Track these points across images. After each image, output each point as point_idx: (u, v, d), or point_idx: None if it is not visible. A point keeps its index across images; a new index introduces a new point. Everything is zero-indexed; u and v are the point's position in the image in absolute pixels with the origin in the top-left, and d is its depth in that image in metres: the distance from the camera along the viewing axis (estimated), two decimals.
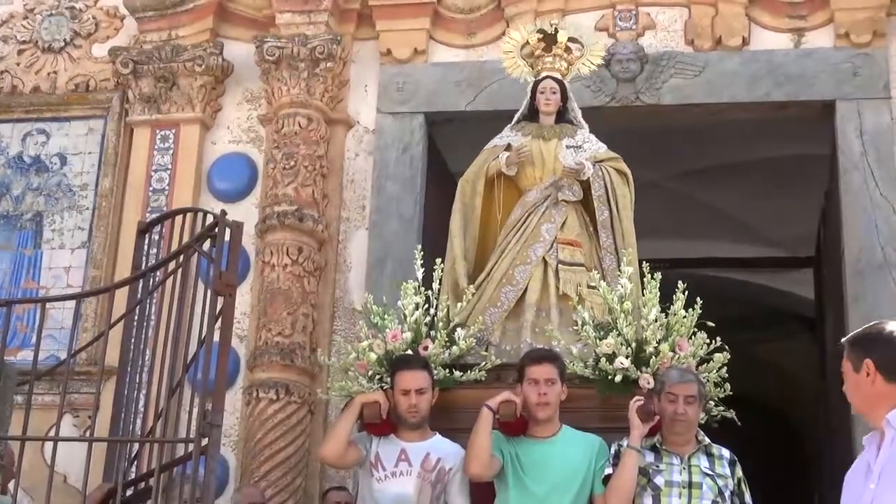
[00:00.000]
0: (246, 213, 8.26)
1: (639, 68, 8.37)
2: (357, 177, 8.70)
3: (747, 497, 5.00)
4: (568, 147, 6.40)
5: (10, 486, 5.29)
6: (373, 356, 5.71)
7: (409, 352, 5.60)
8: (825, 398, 9.20)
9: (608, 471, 4.94)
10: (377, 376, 5.66)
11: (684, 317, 5.64)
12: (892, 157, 8.17)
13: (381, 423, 5.22)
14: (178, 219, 5.57)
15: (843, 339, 3.24)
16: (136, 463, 5.21)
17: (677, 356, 5.48)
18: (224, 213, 5.15)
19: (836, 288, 8.46)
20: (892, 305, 7.83)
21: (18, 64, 9.29)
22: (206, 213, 5.30)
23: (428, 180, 8.70)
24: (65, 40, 9.29)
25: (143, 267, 5.50)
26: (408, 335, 5.71)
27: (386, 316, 5.87)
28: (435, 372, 5.45)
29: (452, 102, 8.71)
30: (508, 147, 6.44)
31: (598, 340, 5.58)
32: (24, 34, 9.37)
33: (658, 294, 5.70)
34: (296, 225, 8.24)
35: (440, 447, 5.21)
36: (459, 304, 6.00)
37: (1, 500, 5.35)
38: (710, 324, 5.68)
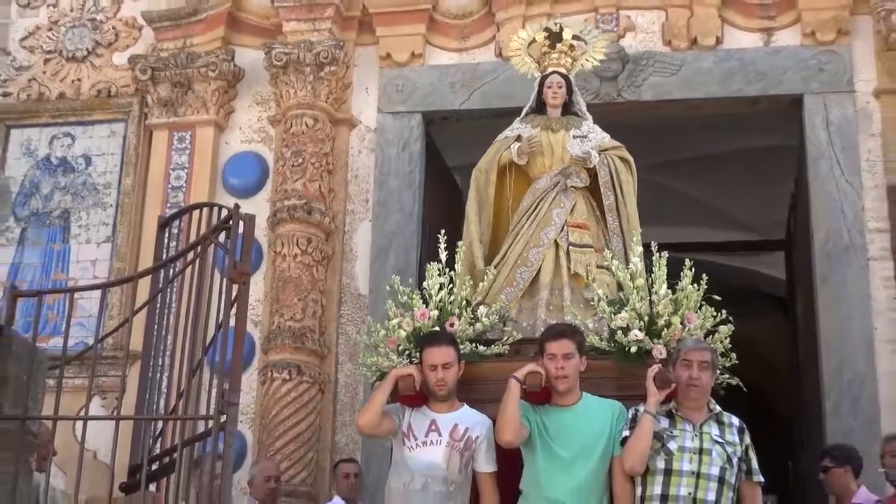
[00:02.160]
0: (258, 207, 8.27)
1: (620, 67, 8.39)
2: (360, 172, 8.73)
3: (754, 463, 4.97)
4: (575, 137, 6.39)
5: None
6: (402, 333, 5.70)
7: (437, 328, 5.59)
8: (797, 372, 9.22)
9: (625, 433, 4.90)
10: (406, 352, 5.64)
11: (692, 291, 5.62)
12: (856, 146, 8.18)
13: (414, 395, 5.18)
14: (196, 213, 5.56)
15: None
16: (160, 439, 5.20)
17: (687, 328, 5.46)
18: (238, 207, 5.13)
19: (806, 269, 8.47)
20: (858, 286, 7.86)
21: (45, 72, 9.32)
22: (220, 207, 5.29)
23: (426, 175, 8.71)
24: (87, 50, 9.30)
25: (163, 258, 5.48)
26: (434, 313, 5.70)
27: (413, 295, 5.86)
28: (461, 347, 5.41)
29: (448, 102, 8.72)
30: (519, 138, 6.43)
31: (612, 315, 5.57)
32: (49, 44, 9.38)
33: (665, 271, 5.70)
34: (304, 218, 8.28)
35: (468, 417, 5.17)
36: (481, 284, 6.00)
37: (36, 478, 5.34)
38: (717, 297, 5.67)
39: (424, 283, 5.95)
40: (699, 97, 8.53)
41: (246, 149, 8.90)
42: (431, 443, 5.05)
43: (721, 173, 9.82)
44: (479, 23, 8.77)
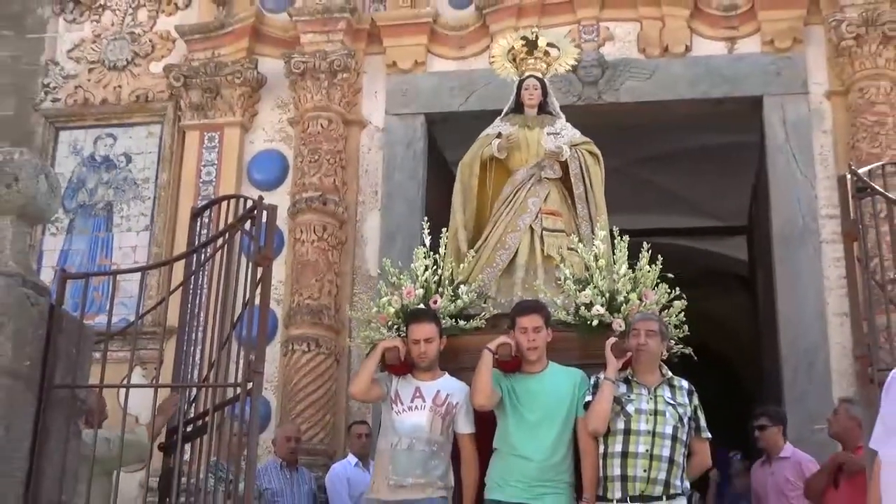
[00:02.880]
0: (280, 199, 8.24)
1: (600, 73, 8.41)
2: (370, 168, 8.75)
3: (702, 421, 5.00)
4: (549, 134, 6.37)
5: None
6: (391, 310, 5.71)
7: (422, 306, 5.59)
8: (759, 344, 9.24)
9: (588, 398, 4.92)
10: (395, 326, 5.64)
11: (648, 271, 5.64)
12: (810, 142, 8.21)
13: (400, 365, 5.18)
14: (224, 204, 5.55)
15: None
16: (193, 405, 5.23)
17: (644, 304, 5.48)
18: (261, 198, 5.14)
19: (766, 252, 8.50)
20: (811, 266, 7.89)
21: (89, 80, 9.32)
22: (246, 199, 5.29)
23: (428, 169, 8.72)
24: (127, 60, 9.30)
25: (195, 244, 5.50)
26: (420, 292, 5.70)
27: (401, 276, 5.87)
28: (443, 322, 5.43)
29: (447, 104, 8.73)
30: (499, 135, 6.42)
31: (577, 292, 5.58)
32: (93, 55, 9.39)
33: (626, 253, 5.72)
34: (321, 208, 8.32)
35: (448, 385, 5.17)
36: (462, 266, 5.99)
37: (93, 438, 5.35)
38: (671, 275, 5.70)
39: (412, 265, 5.95)
40: (670, 99, 8.54)
41: (268, 147, 8.91)
42: (416, 408, 5.07)
43: (690, 166, 9.81)
44: (474, 34, 8.78)
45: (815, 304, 7.80)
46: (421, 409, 5.07)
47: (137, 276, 7.79)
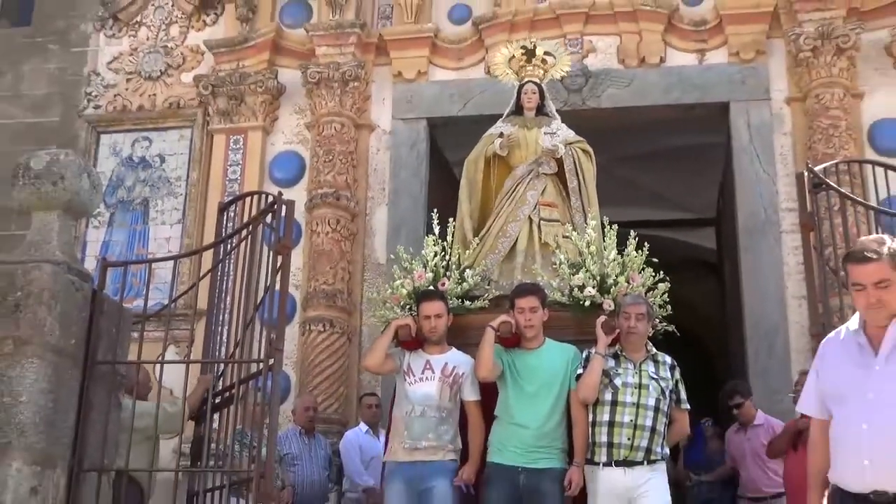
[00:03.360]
0: (297, 195, 8.26)
1: (584, 81, 8.41)
2: (378, 167, 8.74)
3: (683, 394, 4.98)
4: (546, 133, 6.35)
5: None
6: (404, 291, 5.68)
7: (431, 287, 5.57)
8: (726, 324, 9.26)
9: (580, 371, 4.90)
10: (407, 306, 5.61)
11: (636, 257, 5.62)
12: (771, 143, 8.22)
13: (412, 341, 5.14)
14: (248, 200, 5.59)
15: (879, 255, 2.87)
16: (221, 379, 5.25)
17: (631, 286, 5.46)
18: (281, 194, 5.17)
19: (732, 241, 8.50)
20: (772, 253, 7.91)
21: (127, 89, 9.32)
22: (267, 195, 5.32)
23: (430, 168, 8.71)
24: (160, 70, 9.30)
25: (222, 235, 5.51)
26: (429, 275, 5.69)
27: (413, 262, 5.84)
28: (450, 302, 5.40)
29: (447, 110, 8.71)
30: (501, 135, 6.39)
31: (571, 275, 5.56)
32: (130, 67, 9.38)
33: (616, 241, 5.71)
34: (334, 203, 8.33)
35: (455, 358, 5.13)
36: (468, 252, 5.98)
37: (132, 406, 5.37)
38: (655, 260, 5.67)
39: (422, 252, 5.93)
40: (647, 105, 8.54)
41: (287, 148, 8.90)
42: (427, 379, 5.04)
43: (664, 165, 9.80)
44: (471, 47, 8.77)
45: (775, 288, 7.81)
46: (431, 379, 5.04)
47: (170, 263, 7.78)
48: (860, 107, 8.14)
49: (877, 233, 5.20)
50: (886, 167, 5.60)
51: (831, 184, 4.96)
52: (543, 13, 8.57)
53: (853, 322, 3.00)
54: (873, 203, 5.99)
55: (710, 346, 12.10)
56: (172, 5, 9.51)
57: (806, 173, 4.94)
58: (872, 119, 8.12)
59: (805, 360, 7.01)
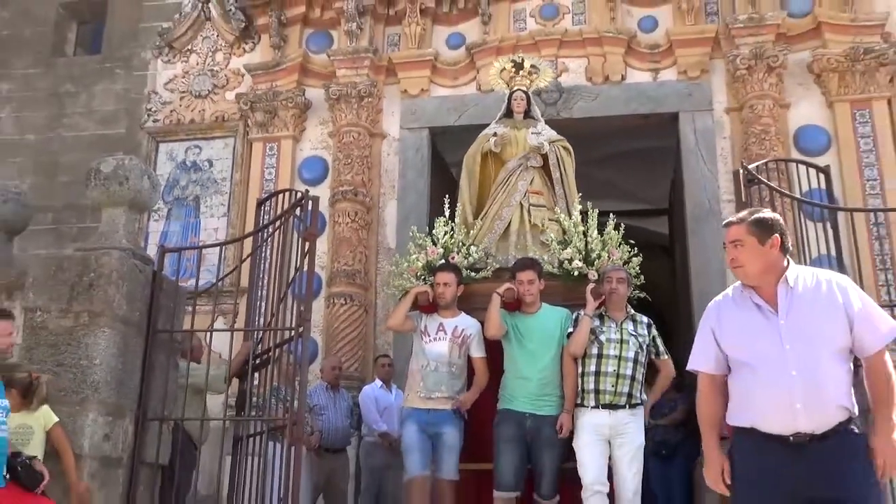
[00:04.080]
0: (322, 192, 8.24)
1: (558, 96, 8.37)
2: (389, 168, 8.69)
3: (661, 347, 5.00)
4: (532, 133, 6.36)
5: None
6: (419, 264, 5.73)
7: (444, 261, 5.59)
8: (676, 294, 9.25)
9: (570, 330, 4.93)
10: (422, 277, 5.64)
11: (614, 235, 5.68)
12: (714, 146, 8.19)
13: (428, 306, 5.17)
14: (281, 196, 5.60)
15: (741, 221, 2.82)
16: (260, 343, 5.26)
17: (611, 259, 5.48)
18: (308, 192, 5.16)
19: (681, 227, 8.48)
20: (714, 238, 7.81)
21: (180, 105, 9.27)
22: (297, 192, 5.32)
23: (432, 169, 8.66)
24: (208, 90, 9.26)
25: (260, 225, 5.52)
26: (441, 251, 5.73)
27: (426, 240, 5.88)
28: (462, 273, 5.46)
29: (445, 120, 8.64)
30: (495, 134, 6.41)
31: (561, 251, 5.61)
32: (183, 87, 9.34)
33: (596, 223, 5.75)
34: (353, 198, 8.31)
35: (464, 321, 5.17)
36: (471, 232, 6.01)
37: (187, 368, 5.38)
38: (631, 241, 5.67)
39: (433, 231, 5.96)
40: (611, 115, 8.47)
41: (313, 153, 8.84)
42: (440, 339, 5.07)
43: (625, 164, 9.74)
44: (465, 68, 8.72)
45: (717, 265, 7.75)
46: (443, 339, 5.06)
47: (217, 249, 7.82)
48: (787, 115, 8.10)
49: (800, 220, 5.21)
50: (807, 165, 5.59)
51: (762, 179, 4.95)
52: (525, 39, 8.51)
53: (738, 286, 2.87)
54: (797, 195, 6.01)
55: (663, 312, 12.08)
56: (217, 36, 9.46)
57: (741, 171, 4.93)
58: (797, 125, 8.08)
59: None
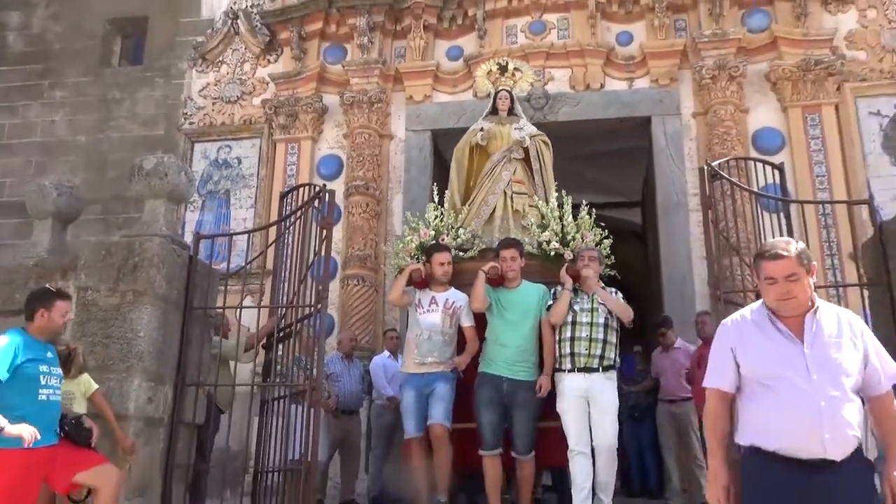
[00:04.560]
0: (338, 186, 8.27)
1: (545, 102, 8.34)
2: (396, 165, 8.67)
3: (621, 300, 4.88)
4: (515, 128, 6.27)
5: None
6: (413, 245, 5.64)
7: (436, 242, 5.49)
8: (648, 276, 9.26)
9: (550, 302, 4.87)
10: (415, 256, 5.55)
11: (587, 219, 5.59)
12: (682, 146, 8.18)
13: (421, 281, 5.07)
14: (301, 190, 5.58)
15: (790, 254, 2.49)
16: (283, 319, 5.26)
17: (584, 241, 5.41)
18: (325, 186, 5.16)
19: (653, 217, 8.48)
20: (682, 226, 7.90)
21: (213, 110, 9.23)
22: (315, 186, 5.31)
23: (434, 166, 8.63)
24: (237, 96, 9.22)
25: (283, 215, 5.51)
26: (432, 233, 5.64)
27: (419, 223, 5.80)
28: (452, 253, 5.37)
29: (446, 123, 8.60)
30: (482, 129, 6.31)
31: (540, 233, 5.53)
32: (215, 93, 9.30)
33: (571, 209, 5.67)
34: (364, 192, 8.30)
35: (454, 295, 5.06)
36: (459, 216, 5.90)
37: (219, 342, 5.39)
38: (602, 224, 5.62)
39: (426, 216, 5.89)
40: (591, 118, 8.44)
41: (330, 152, 8.82)
42: (432, 310, 4.98)
43: (604, 161, 9.72)
44: (462, 77, 8.68)
45: (684, 250, 7.80)
46: (435, 311, 4.98)
47: (245, 236, 7.72)
48: (746, 119, 8.07)
49: (757, 211, 5.18)
50: (764, 163, 5.57)
51: (724, 175, 4.93)
52: (516, 52, 8.43)
53: (758, 310, 2.59)
54: (755, 189, 5.99)
55: (637, 292, 12.09)
56: (245, 48, 9.41)
57: (706, 168, 4.90)
58: (755, 128, 8.06)
59: (704, 304, 7.03)
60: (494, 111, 6.52)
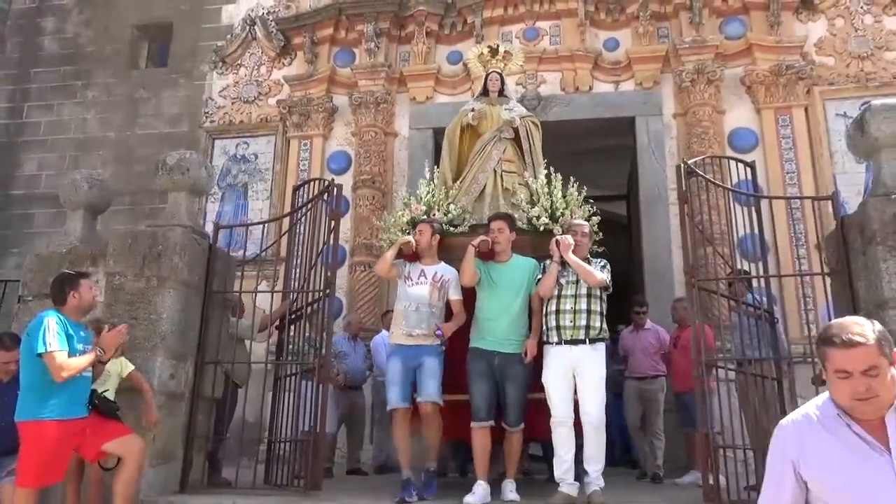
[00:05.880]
0: (346, 180, 8.26)
1: (538, 103, 8.28)
2: (400, 160, 8.65)
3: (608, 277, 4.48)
4: (505, 109, 5.99)
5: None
6: (404, 219, 5.41)
7: (425, 217, 5.24)
8: (632, 265, 9.25)
9: (539, 276, 4.54)
10: (406, 231, 5.24)
11: (576, 196, 5.38)
12: (663, 144, 8.14)
13: (411, 255, 4.76)
14: (312, 183, 5.57)
15: (869, 341, 1.76)
16: (295, 302, 5.28)
17: (574, 216, 5.15)
18: (333, 180, 5.14)
19: (636, 210, 8.46)
20: (662, 218, 7.88)
21: (232, 109, 9.22)
22: (324, 180, 5.30)
23: (435, 162, 8.49)
24: (254, 96, 9.20)
25: (296, 207, 5.50)
26: (423, 208, 5.40)
27: (411, 198, 5.59)
28: (440, 227, 5.04)
29: (446, 122, 8.19)
30: (473, 110, 6.03)
31: (529, 209, 5.27)
32: (233, 94, 9.28)
33: (560, 186, 5.42)
34: (370, 185, 8.29)
35: (442, 269, 4.76)
36: (450, 192, 5.62)
37: (236, 322, 5.37)
38: (591, 200, 5.38)
39: (417, 192, 5.65)
40: (580, 118, 8.39)
41: (339, 149, 8.80)
42: (421, 283, 4.69)
43: (592, 158, 9.66)
44: (462, 80, 8.65)
45: (664, 240, 7.79)
46: (424, 283, 4.67)
47: (261, 226, 7.80)
48: (723, 120, 8.04)
49: (731, 206, 5.09)
50: (737, 161, 5.56)
51: (699, 172, 4.91)
52: (517, 69, 8.27)
53: (824, 407, 1.85)
54: (729, 185, 5.95)
55: (622, 279, 12.06)
56: (262, 53, 9.38)
57: (682, 165, 4.89)
58: (731, 128, 8.02)
59: (683, 290, 7.01)
60: (485, 92, 6.22)
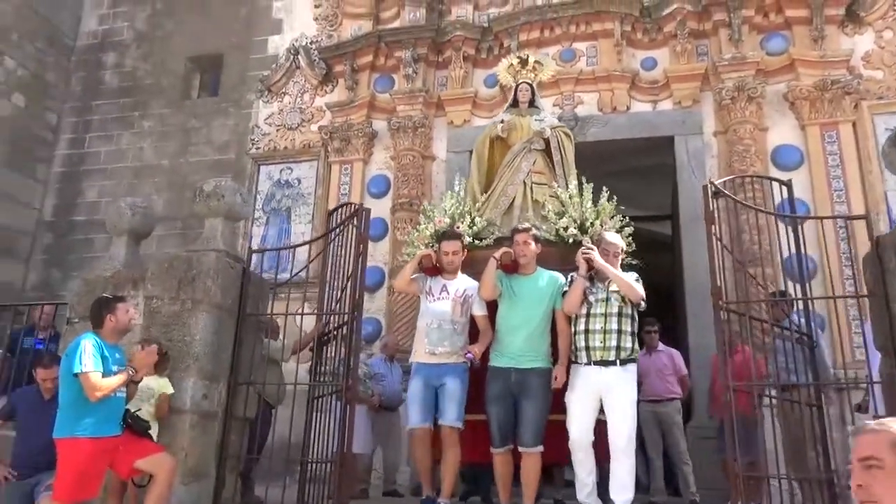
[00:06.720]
0: (385, 204, 8.41)
1: (575, 123, 8.22)
2: (438, 183, 8.68)
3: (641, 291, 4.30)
4: (536, 120, 5.96)
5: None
6: (427, 232, 5.37)
7: (448, 230, 5.12)
8: (674, 282, 9.09)
9: (565, 289, 4.40)
10: (430, 244, 5.21)
11: (607, 205, 5.29)
12: (704, 163, 8.01)
13: (432, 268, 4.67)
14: (344, 208, 5.64)
15: (876, 430, 1.51)
16: (327, 324, 5.34)
17: (604, 227, 5.02)
18: (362, 204, 5.15)
19: (678, 229, 8.31)
20: (703, 236, 7.66)
21: (276, 136, 9.48)
22: (353, 204, 5.37)
23: None
24: (297, 123, 9.44)
25: (329, 229, 5.58)
26: (447, 220, 5.33)
27: (434, 211, 5.58)
28: (466, 240, 4.98)
29: None
30: (502, 121, 6.03)
31: (557, 220, 5.20)
32: (278, 121, 9.55)
33: (591, 196, 5.35)
34: (409, 208, 8.37)
35: (465, 282, 4.64)
36: (477, 205, 5.60)
37: (267, 344, 5.47)
38: (622, 208, 5.23)
39: (442, 204, 5.58)
40: (618, 138, 8.35)
41: (379, 173, 8.93)
42: (443, 298, 4.57)
43: (633, 178, 9.56)
44: (499, 102, 8.59)
45: (704, 261, 7.33)
46: (446, 299, 4.55)
47: (305, 248, 7.89)
48: (765, 137, 7.87)
49: (777, 227, 4.83)
50: (771, 179, 5.43)
51: (725, 192, 4.84)
52: (548, 79, 8.40)
53: None
54: (772, 205, 5.72)
55: (666, 299, 11.80)
56: (305, 81, 9.64)
57: (709, 185, 4.81)
58: (774, 145, 7.84)
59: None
60: (515, 103, 6.15)
